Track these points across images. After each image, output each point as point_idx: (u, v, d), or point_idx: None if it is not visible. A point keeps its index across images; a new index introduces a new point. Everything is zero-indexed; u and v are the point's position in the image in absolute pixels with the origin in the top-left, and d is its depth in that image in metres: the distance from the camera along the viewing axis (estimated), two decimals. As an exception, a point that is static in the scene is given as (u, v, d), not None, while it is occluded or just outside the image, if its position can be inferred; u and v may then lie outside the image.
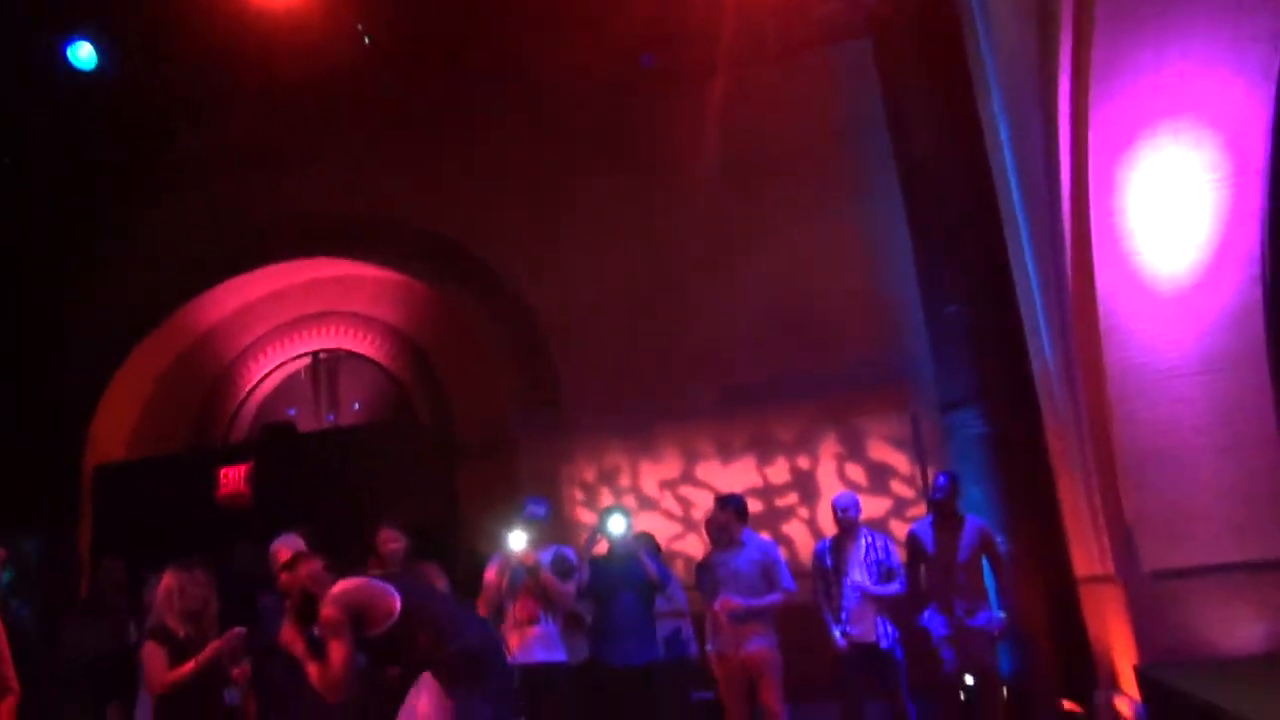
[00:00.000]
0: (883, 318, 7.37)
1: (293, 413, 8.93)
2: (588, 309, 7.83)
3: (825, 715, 5.71)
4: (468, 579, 5.48)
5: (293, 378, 9.11)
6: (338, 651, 3.44)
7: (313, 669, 3.49)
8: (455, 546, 6.95)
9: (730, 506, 5.49)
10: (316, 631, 3.54)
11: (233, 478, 7.63)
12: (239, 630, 4.13)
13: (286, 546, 4.67)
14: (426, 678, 3.52)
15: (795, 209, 7.56)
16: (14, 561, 5.64)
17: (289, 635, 3.57)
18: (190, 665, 4.09)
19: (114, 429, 8.73)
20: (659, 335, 7.66)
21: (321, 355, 9.13)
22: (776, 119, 7.61)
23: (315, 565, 3.67)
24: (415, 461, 7.80)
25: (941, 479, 5.63)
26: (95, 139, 7.92)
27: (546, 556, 5.22)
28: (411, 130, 8.22)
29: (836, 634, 5.35)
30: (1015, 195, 5.87)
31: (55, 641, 5.32)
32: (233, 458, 7.81)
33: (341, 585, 3.55)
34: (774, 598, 5.29)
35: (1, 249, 8.05)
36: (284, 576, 3.78)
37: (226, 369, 9.16)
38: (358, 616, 3.49)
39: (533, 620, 5.13)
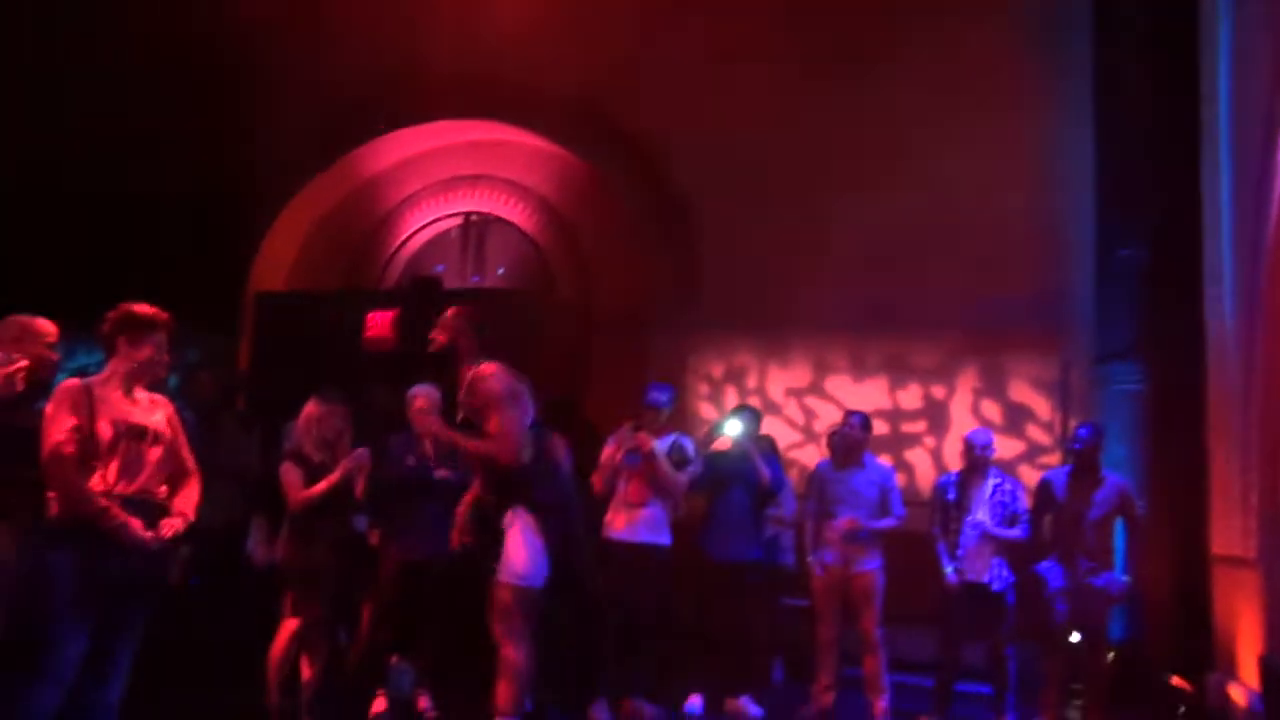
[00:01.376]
0: (1047, 251, 6.92)
1: (440, 269, 9.14)
2: (739, 202, 7.63)
3: (918, 645, 5.67)
4: (586, 453, 5.56)
5: (443, 236, 9.29)
6: (508, 419, 3.57)
7: (475, 444, 3.61)
8: (581, 420, 7.04)
9: (867, 425, 5.44)
10: (466, 413, 3.69)
11: (379, 322, 7.90)
12: (363, 450, 4.31)
13: (423, 395, 4.83)
14: (523, 513, 3.66)
15: (970, 117, 7.07)
16: (180, 369, 6.05)
17: (435, 424, 3.81)
18: (322, 485, 4.34)
19: (276, 260, 9.14)
20: (807, 239, 7.41)
21: (473, 217, 9.26)
22: (962, 9, 7.06)
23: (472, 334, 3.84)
24: (552, 331, 7.88)
25: (1084, 430, 5.35)
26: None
27: (664, 443, 5.23)
28: (582, 4, 8.05)
29: (949, 570, 5.23)
30: (1224, 122, 5.30)
31: (213, 446, 5.68)
32: (381, 303, 8.09)
33: (499, 366, 3.69)
34: (890, 522, 5.29)
35: (196, 69, 8.37)
36: (445, 321, 3.94)
37: (383, 219, 9.41)
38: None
39: (642, 502, 5.16)
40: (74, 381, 3.13)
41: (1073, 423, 6.03)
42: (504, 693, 3.71)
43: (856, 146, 7.33)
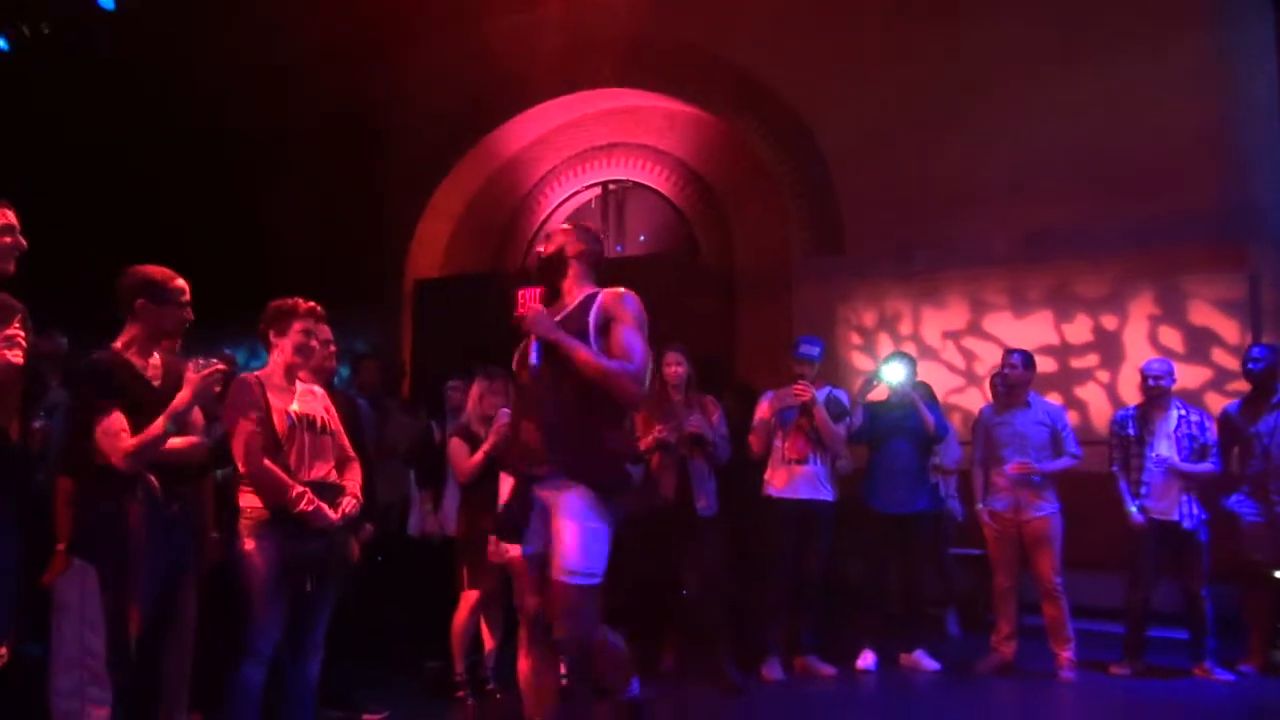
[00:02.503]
0: (1225, 164, 6.34)
1: (583, 240, 9.26)
2: (876, 142, 7.33)
3: (1104, 589, 5.38)
4: (739, 413, 5.51)
5: (584, 207, 9.36)
6: (638, 341, 2.98)
7: (594, 361, 2.91)
8: (731, 380, 7.01)
9: (1029, 363, 5.17)
10: (573, 331, 3.01)
11: (529, 299, 8.08)
12: (505, 410, 4.36)
13: (675, 359, 4.89)
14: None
15: (1130, 24, 6.55)
16: (348, 358, 6.37)
17: (544, 323, 3.04)
18: (480, 453, 4.48)
19: (430, 247, 9.48)
20: (951, 173, 7.05)
21: (611, 186, 9.30)
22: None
23: (586, 245, 3.21)
24: (696, 294, 7.85)
25: (1258, 349, 4.94)
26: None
27: (820, 397, 5.11)
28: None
29: (1133, 508, 4.93)
30: None
31: (380, 430, 5.95)
32: (529, 280, 8.25)
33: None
34: (1065, 462, 5.04)
35: (340, 62, 8.69)
36: (553, 231, 3.30)
37: (525, 196, 9.57)
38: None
39: (802, 459, 5.08)
40: (247, 377, 3.32)
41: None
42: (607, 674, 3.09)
43: (1004, 69, 6.92)
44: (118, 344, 3.18)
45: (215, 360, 3.16)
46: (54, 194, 7.68)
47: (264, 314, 3.43)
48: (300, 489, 3.17)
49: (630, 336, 2.98)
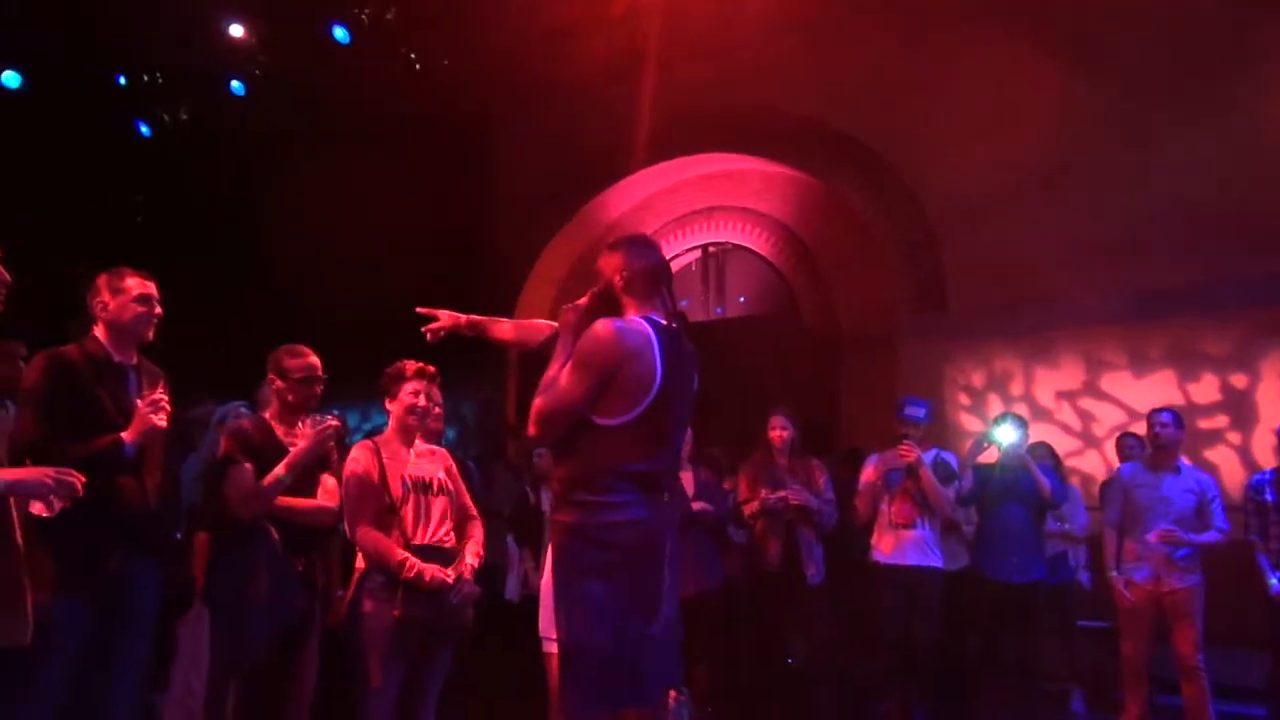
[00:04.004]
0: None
1: (684, 304, 9.30)
2: (981, 197, 7.17)
3: (1245, 670, 4.99)
4: (845, 477, 5.39)
5: (684, 270, 9.43)
6: (576, 380, 2.53)
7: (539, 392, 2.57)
8: (836, 443, 6.88)
9: (1180, 422, 4.83)
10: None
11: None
12: None
13: (781, 423, 4.88)
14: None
15: (1248, 75, 6.28)
16: (454, 420, 6.49)
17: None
18: None
19: (534, 310, 9.63)
20: (1062, 228, 6.84)
21: (710, 249, 9.35)
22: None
23: (638, 264, 2.73)
24: (798, 356, 7.79)
25: None
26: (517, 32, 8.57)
27: (926, 459, 4.96)
28: (801, 32, 7.96)
29: (1273, 581, 4.57)
30: None
31: (486, 493, 6.03)
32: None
33: (635, 327, 2.59)
34: (1211, 536, 4.67)
35: (435, 123, 9.03)
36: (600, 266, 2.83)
37: (626, 261, 9.69)
38: (613, 371, 2.54)
39: (908, 523, 4.93)
40: (364, 444, 3.41)
41: None
42: None
43: (1117, 122, 6.71)
44: (267, 413, 3.48)
45: (330, 417, 3.32)
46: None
47: (381, 379, 3.54)
48: (403, 556, 3.20)
49: (560, 370, 2.57)
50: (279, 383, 3.44)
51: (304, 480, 3.36)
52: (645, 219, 9.53)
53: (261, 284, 9.30)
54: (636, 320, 2.67)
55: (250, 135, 9.22)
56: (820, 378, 7.91)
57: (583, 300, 2.83)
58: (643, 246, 2.84)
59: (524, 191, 9.47)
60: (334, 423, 3.32)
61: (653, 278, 2.77)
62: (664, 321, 2.71)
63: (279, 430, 3.40)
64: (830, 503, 4.83)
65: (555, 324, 2.89)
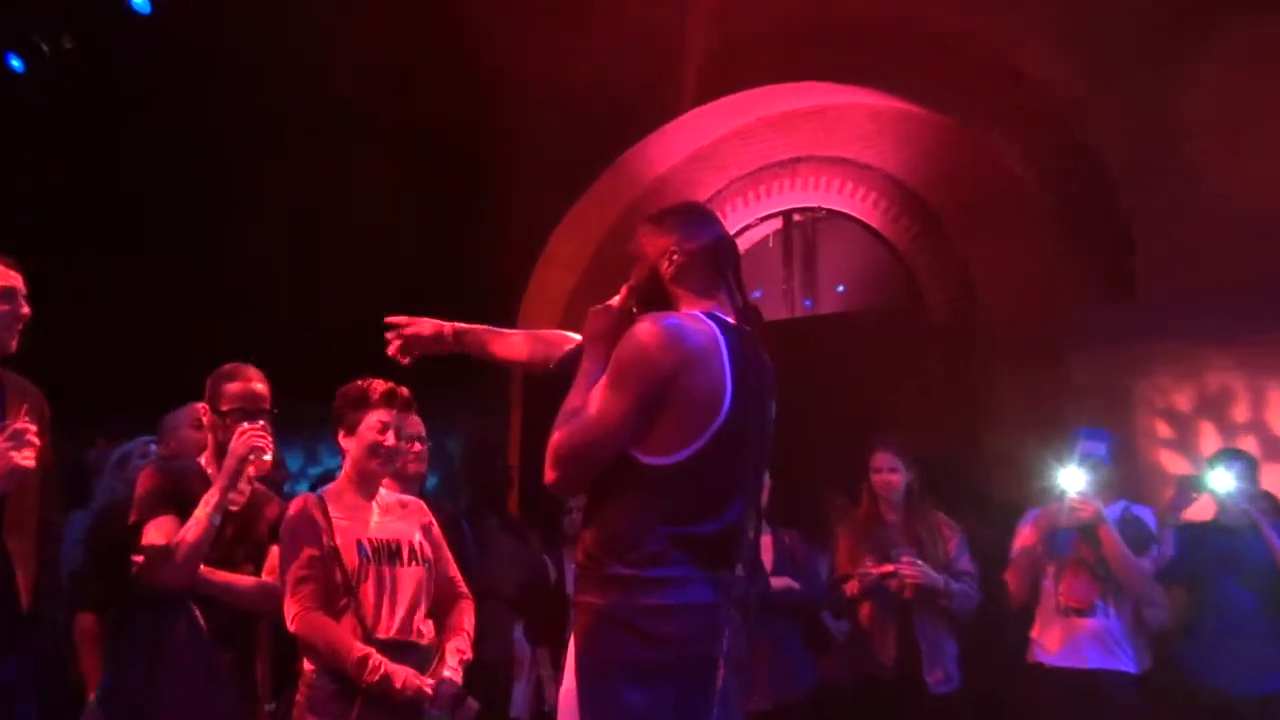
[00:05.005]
0: None
1: (758, 295, 9.28)
2: (1189, 147, 7.11)
3: None
4: (990, 539, 5.41)
5: (759, 246, 9.44)
6: (612, 404, 2.55)
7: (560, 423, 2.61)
8: (977, 489, 6.85)
9: None
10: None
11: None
12: None
13: (888, 463, 5.06)
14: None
15: None
16: (437, 463, 6.52)
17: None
18: None
19: (546, 307, 9.71)
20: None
21: (796, 217, 9.36)
22: None
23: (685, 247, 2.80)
24: (920, 367, 7.79)
25: None
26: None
27: (1110, 516, 4.98)
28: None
29: None
30: None
31: (481, 560, 6.06)
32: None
33: (687, 329, 2.61)
34: None
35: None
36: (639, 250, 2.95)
37: (676, 235, 9.73)
38: (664, 385, 2.54)
39: (1086, 608, 4.97)
40: (305, 497, 3.43)
41: None
42: None
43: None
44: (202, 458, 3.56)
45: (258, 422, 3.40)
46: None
47: (333, 406, 3.55)
48: (362, 651, 3.21)
49: (592, 386, 2.60)
50: (209, 416, 3.50)
51: (243, 549, 3.40)
52: (701, 178, 9.56)
53: (200, 277, 9.48)
54: (695, 316, 2.67)
55: (162, 67, 9.39)
56: (954, 399, 7.91)
57: (616, 299, 2.85)
58: (698, 218, 2.92)
59: (534, 141, 9.53)
60: (260, 422, 3.43)
61: (713, 261, 2.81)
62: (732, 320, 2.73)
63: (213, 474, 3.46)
64: (968, 578, 4.90)
65: (579, 336, 2.89)
